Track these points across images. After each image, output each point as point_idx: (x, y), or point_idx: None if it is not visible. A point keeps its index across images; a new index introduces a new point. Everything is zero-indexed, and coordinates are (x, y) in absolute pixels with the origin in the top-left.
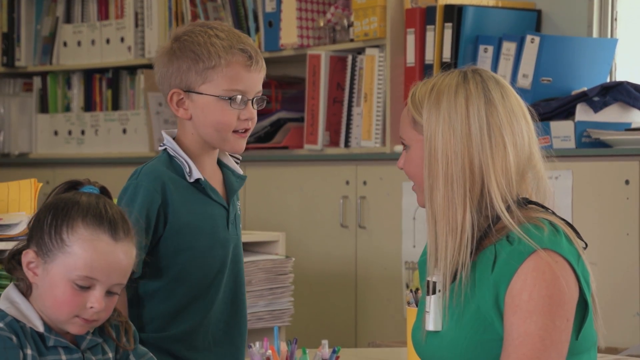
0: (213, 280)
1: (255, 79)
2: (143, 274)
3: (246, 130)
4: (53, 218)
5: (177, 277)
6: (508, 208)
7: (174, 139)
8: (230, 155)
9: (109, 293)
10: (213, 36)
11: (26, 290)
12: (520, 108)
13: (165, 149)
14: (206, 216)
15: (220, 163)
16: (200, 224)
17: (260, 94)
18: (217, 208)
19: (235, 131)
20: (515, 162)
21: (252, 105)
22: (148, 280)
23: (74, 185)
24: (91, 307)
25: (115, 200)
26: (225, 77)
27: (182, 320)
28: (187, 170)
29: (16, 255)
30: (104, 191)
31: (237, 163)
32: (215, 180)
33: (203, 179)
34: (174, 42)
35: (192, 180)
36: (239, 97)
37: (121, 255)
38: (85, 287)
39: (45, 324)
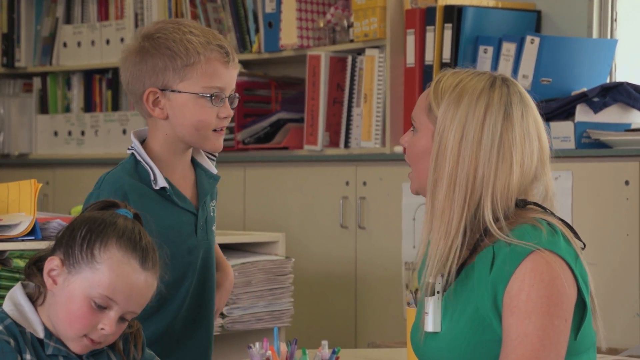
0: (178, 287)
1: (232, 76)
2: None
3: (223, 129)
4: (88, 232)
5: None
6: (497, 220)
7: (144, 141)
8: (206, 154)
9: (121, 319)
10: (187, 33)
11: (37, 296)
12: (537, 129)
13: (132, 153)
14: (172, 223)
15: (194, 162)
16: (164, 232)
17: (233, 92)
18: (184, 215)
19: (214, 130)
20: (517, 183)
21: (230, 104)
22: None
23: (110, 205)
24: (102, 329)
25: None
26: (205, 74)
27: (148, 327)
28: (152, 178)
29: (38, 262)
30: (137, 217)
31: (212, 160)
32: (186, 183)
33: (168, 187)
34: (145, 41)
35: (157, 188)
36: (218, 94)
37: (144, 284)
38: (101, 307)
39: (46, 330)
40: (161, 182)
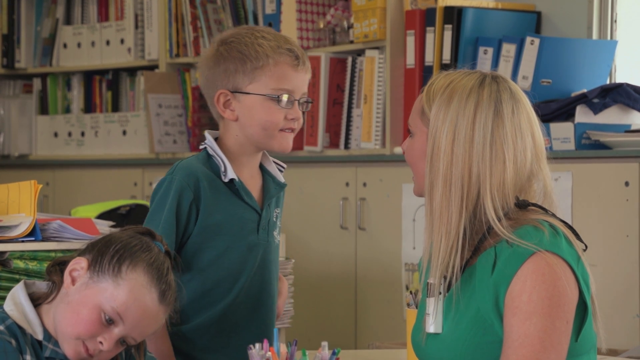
0: (235, 281)
1: (301, 79)
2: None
3: (292, 130)
4: (122, 247)
5: (201, 273)
6: (500, 219)
7: (216, 139)
8: (275, 163)
9: (121, 342)
10: (260, 37)
11: (43, 297)
12: (530, 125)
13: (205, 148)
14: (236, 217)
15: (263, 169)
16: (228, 224)
17: (305, 96)
18: (249, 211)
19: (281, 130)
20: (512, 179)
21: (300, 107)
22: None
23: (150, 234)
24: (100, 342)
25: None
26: (273, 77)
27: (198, 318)
28: (223, 169)
29: (62, 264)
30: (167, 253)
31: (281, 171)
32: (253, 184)
33: (237, 179)
34: (220, 46)
35: (226, 180)
36: (286, 96)
37: (155, 316)
38: (109, 322)
39: (45, 332)
40: (231, 174)
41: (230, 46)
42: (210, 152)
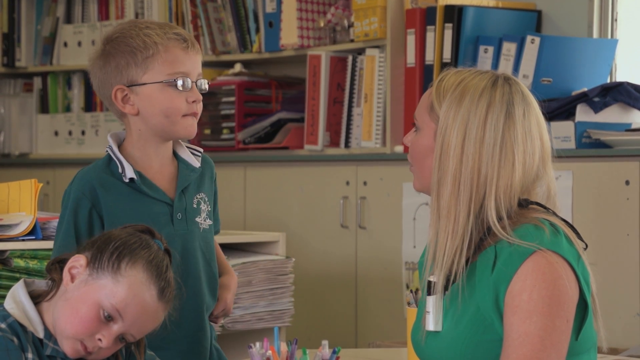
0: None
1: (194, 60)
2: None
3: (195, 114)
4: (122, 244)
5: None
6: (501, 219)
7: (123, 140)
8: (189, 147)
9: (120, 339)
10: (144, 28)
11: (43, 294)
12: (539, 128)
13: (107, 151)
14: (144, 214)
15: (177, 156)
16: (136, 222)
17: (201, 77)
18: (158, 205)
19: (184, 115)
20: (520, 182)
21: (197, 88)
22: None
23: (150, 232)
24: (99, 339)
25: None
26: (166, 62)
27: None
28: (120, 170)
29: (62, 262)
30: (167, 251)
31: (197, 156)
32: (164, 176)
33: (136, 177)
34: (106, 44)
35: (126, 180)
36: (183, 79)
37: (154, 313)
38: (108, 319)
39: (45, 330)
40: (129, 174)
41: (116, 42)
42: (111, 154)
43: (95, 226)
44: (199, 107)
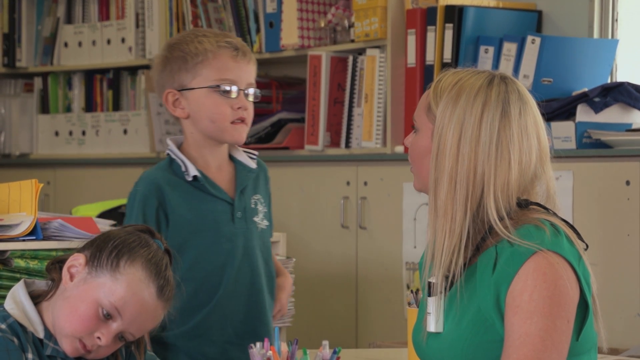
0: (222, 273)
1: (243, 70)
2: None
3: (242, 120)
4: (121, 243)
5: (188, 273)
6: (502, 219)
7: (181, 144)
8: (245, 151)
9: (120, 337)
10: (200, 36)
11: (43, 294)
12: (536, 127)
13: (168, 154)
14: (207, 212)
15: (233, 158)
16: (201, 220)
17: (253, 87)
18: (220, 203)
19: (232, 122)
20: (517, 180)
21: (246, 97)
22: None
23: (150, 232)
24: (98, 338)
25: None
26: (214, 69)
27: (198, 314)
28: (184, 169)
29: (62, 262)
30: (167, 251)
31: (253, 159)
32: (223, 176)
33: (200, 175)
34: (165, 50)
35: (189, 178)
36: (229, 86)
37: (154, 312)
38: (106, 317)
39: (46, 331)
40: (192, 172)
41: (173, 48)
42: (172, 156)
43: (162, 224)
44: (246, 114)
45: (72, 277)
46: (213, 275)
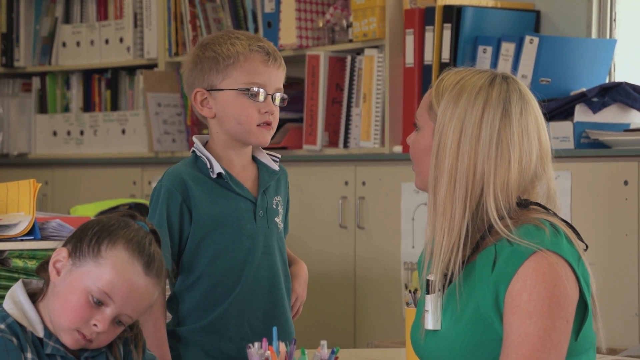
0: (242, 270)
1: (273, 75)
2: (177, 271)
3: (269, 124)
4: (100, 229)
5: (207, 268)
6: (502, 218)
7: (206, 142)
8: (268, 153)
9: (117, 322)
10: (234, 38)
11: (39, 293)
12: (537, 127)
13: (193, 151)
14: (230, 209)
15: (256, 160)
16: (224, 216)
17: (281, 92)
18: (243, 201)
19: (258, 125)
20: (516, 180)
21: (273, 101)
22: (182, 275)
23: (132, 216)
24: (94, 325)
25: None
26: (244, 72)
27: (215, 311)
28: (209, 166)
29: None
30: (153, 233)
31: (275, 161)
32: (246, 175)
33: (224, 173)
34: (198, 49)
35: (214, 175)
36: (258, 89)
37: (144, 290)
38: (98, 304)
39: (45, 330)
40: (217, 169)
41: (206, 47)
42: (198, 153)
43: (185, 219)
44: (272, 118)
45: (58, 272)
46: (232, 272)
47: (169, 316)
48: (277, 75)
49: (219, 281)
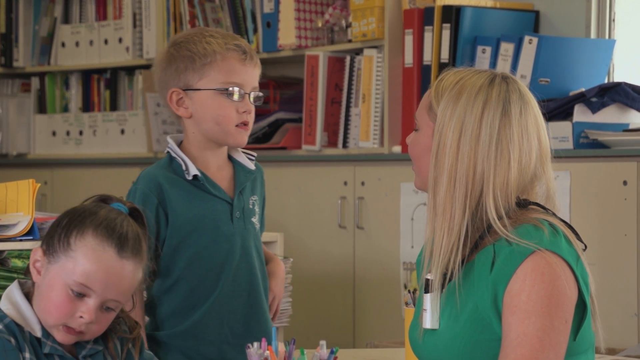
0: (220, 272)
1: (250, 73)
2: (155, 274)
3: (246, 124)
4: (68, 222)
5: (185, 272)
6: (501, 217)
7: (181, 142)
8: (243, 152)
9: (105, 309)
10: (208, 36)
11: (31, 292)
12: (536, 127)
13: (168, 152)
14: (207, 211)
15: (232, 160)
16: (200, 219)
17: (257, 90)
18: (219, 203)
19: (236, 125)
20: (516, 180)
21: (250, 100)
22: (159, 278)
23: (104, 200)
24: (80, 317)
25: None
26: (221, 71)
27: (194, 314)
28: (184, 168)
29: None
30: (133, 212)
31: (251, 160)
32: (222, 176)
33: (200, 175)
34: (171, 47)
35: (190, 177)
36: (236, 89)
37: (123, 272)
38: (80, 295)
39: (43, 329)
40: (193, 171)
41: (180, 46)
42: (172, 154)
43: (162, 223)
44: (250, 118)
45: (39, 272)
46: (211, 275)
47: (147, 319)
48: (254, 74)
49: (197, 284)
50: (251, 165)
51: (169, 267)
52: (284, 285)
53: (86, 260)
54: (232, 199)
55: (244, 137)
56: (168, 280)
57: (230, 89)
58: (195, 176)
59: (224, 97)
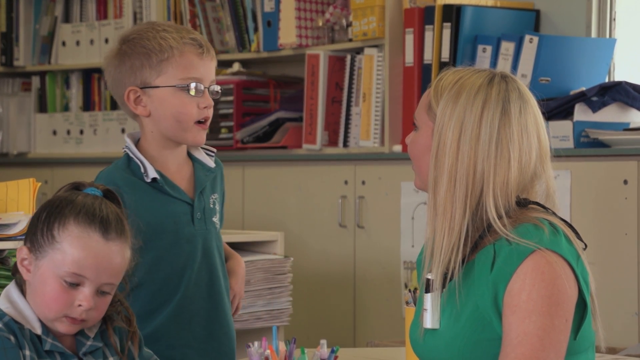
0: (182, 276)
1: (208, 67)
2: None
3: (207, 120)
4: (47, 215)
5: (146, 276)
6: (501, 217)
7: (138, 140)
8: (203, 148)
9: (101, 293)
10: (162, 31)
11: (24, 290)
12: (536, 126)
13: (125, 152)
14: (167, 214)
15: (192, 157)
16: (160, 222)
17: (214, 84)
18: (179, 205)
19: (197, 122)
20: (516, 179)
21: (209, 94)
22: (121, 283)
23: (77, 187)
24: (79, 305)
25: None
26: (180, 67)
27: (156, 318)
28: (143, 170)
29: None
30: (107, 193)
31: (211, 156)
32: (182, 176)
33: (159, 177)
34: (123, 44)
35: (148, 180)
36: (196, 84)
37: (111, 254)
38: (74, 285)
39: (43, 327)
40: (152, 174)
41: (133, 43)
42: (130, 155)
43: None
44: (210, 113)
45: (28, 270)
46: (172, 278)
47: None
48: (211, 67)
49: (159, 289)
50: (211, 163)
51: (133, 270)
52: (244, 283)
53: (74, 249)
54: (192, 200)
55: (202, 135)
56: (129, 286)
57: (191, 84)
58: (154, 179)
59: (184, 94)
